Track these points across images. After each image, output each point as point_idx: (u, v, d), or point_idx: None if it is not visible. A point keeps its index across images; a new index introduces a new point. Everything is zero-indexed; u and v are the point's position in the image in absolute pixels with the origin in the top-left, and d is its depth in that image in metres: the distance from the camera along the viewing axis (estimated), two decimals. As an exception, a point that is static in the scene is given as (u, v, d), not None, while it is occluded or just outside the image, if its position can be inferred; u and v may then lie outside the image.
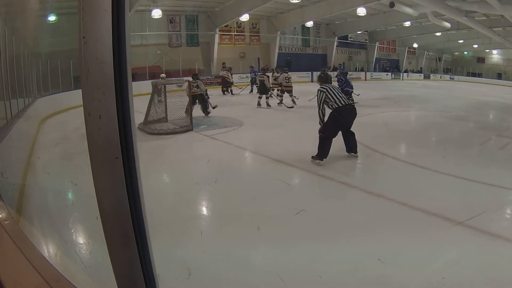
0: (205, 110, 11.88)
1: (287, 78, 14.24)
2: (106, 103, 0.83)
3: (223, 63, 21.70)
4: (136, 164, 0.87)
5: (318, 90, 6.41)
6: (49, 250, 2.57)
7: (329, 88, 6.38)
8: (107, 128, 0.84)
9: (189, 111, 10.07)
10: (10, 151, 4.98)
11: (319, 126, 6.41)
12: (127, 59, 0.85)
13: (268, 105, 13.93)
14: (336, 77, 14.83)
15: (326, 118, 6.36)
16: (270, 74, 15.41)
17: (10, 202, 2.90)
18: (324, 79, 6.68)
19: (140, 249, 0.90)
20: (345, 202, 4.97)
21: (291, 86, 14.34)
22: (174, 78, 15.81)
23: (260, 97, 14.08)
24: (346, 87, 13.29)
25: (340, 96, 6.34)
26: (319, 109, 6.38)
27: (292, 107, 13.85)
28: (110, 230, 0.88)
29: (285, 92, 14.20)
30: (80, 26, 0.83)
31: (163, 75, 15.71)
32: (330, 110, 6.35)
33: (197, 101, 11.48)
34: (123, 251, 0.90)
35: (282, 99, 14.19)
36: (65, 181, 5.80)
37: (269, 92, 14.11)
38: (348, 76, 14.23)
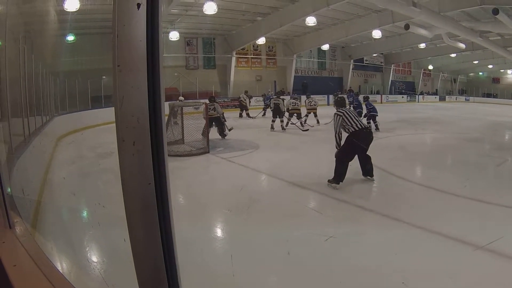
0: (222, 132, 11.96)
1: (293, 103, 14.51)
2: (140, 130, 0.84)
3: (246, 91, 21.57)
4: (168, 190, 0.88)
5: (335, 114, 6.43)
6: (64, 267, 2.58)
7: (346, 112, 6.40)
8: (141, 154, 0.85)
9: (205, 133, 10.16)
10: (27, 167, 5.06)
11: (336, 149, 6.40)
12: (161, 87, 0.86)
13: (283, 128, 13.99)
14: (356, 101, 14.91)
15: (342, 142, 6.36)
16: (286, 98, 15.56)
17: (26, 218, 2.93)
18: (340, 103, 6.70)
19: (168, 272, 0.91)
20: (361, 225, 4.88)
21: (299, 109, 14.40)
22: (191, 100, 15.97)
23: (273, 120, 14.18)
24: (372, 112, 13.35)
25: (356, 120, 6.34)
26: (335, 133, 6.38)
27: (307, 130, 13.94)
28: (140, 253, 0.89)
29: (293, 116, 14.32)
30: (115, 55, 0.85)
31: (181, 98, 15.86)
32: (347, 134, 6.35)
33: (213, 123, 11.58)
34: (152, 274, 0.90)
35: (288, 122, 14.29)
36: (82, 199, 5.87)
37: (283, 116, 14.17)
38: (369, 99, 14.17)
